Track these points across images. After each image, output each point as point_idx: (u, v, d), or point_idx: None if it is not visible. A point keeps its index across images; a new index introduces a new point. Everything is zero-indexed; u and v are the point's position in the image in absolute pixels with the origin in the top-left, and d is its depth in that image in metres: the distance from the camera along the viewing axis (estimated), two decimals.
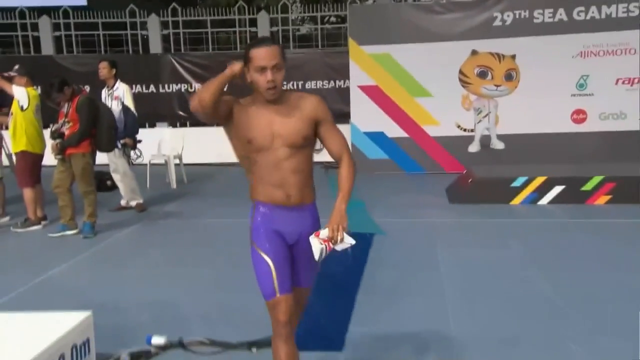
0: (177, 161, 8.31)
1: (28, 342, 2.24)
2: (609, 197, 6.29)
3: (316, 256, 2.19)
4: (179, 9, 10.71)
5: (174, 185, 7.98)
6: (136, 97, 6.85)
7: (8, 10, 10.62)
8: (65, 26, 10.92)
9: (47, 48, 10.77)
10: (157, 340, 3.08)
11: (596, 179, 6.34)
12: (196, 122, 9.45)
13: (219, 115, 2.23)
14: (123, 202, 6.60)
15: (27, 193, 5.79)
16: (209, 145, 8.51)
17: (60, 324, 2.48)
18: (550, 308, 3.53)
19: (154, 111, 10.27)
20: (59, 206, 5.49)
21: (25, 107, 5.73)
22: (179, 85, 10.40)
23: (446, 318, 3.35)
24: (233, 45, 11.64)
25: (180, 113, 10.35)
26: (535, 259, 4.51)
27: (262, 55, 2.17)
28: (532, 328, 3.23)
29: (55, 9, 10.77)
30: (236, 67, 2.21)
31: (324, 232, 2.21)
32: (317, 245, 2.20)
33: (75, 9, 10.79)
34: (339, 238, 2.18)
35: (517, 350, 3.01)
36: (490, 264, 4.38)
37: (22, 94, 5.73)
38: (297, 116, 2.27)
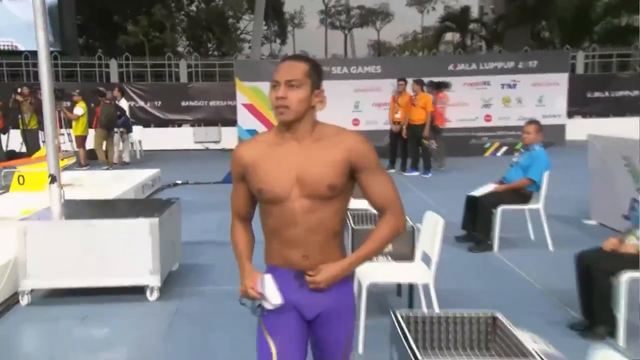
0: (139, 146, 14.71)
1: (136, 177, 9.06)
2: None
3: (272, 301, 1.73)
4: (130, 56, 17.13)
5: (138, 156, 14.40)
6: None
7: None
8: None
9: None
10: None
11: None
12: (142, 125, 15.92)
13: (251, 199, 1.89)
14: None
15: None
16: (154, 138, 15.06)
17: (148, 172, 9.45)
18: None
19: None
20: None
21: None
22: (129, 102, 16.66)
23: None
24: (163, 78, 18.15)
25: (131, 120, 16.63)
26: None
27: (278, 69, 1.78)
28: None
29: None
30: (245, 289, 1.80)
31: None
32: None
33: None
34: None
35: None
36: None
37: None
38: (326, 158, 1.75)
